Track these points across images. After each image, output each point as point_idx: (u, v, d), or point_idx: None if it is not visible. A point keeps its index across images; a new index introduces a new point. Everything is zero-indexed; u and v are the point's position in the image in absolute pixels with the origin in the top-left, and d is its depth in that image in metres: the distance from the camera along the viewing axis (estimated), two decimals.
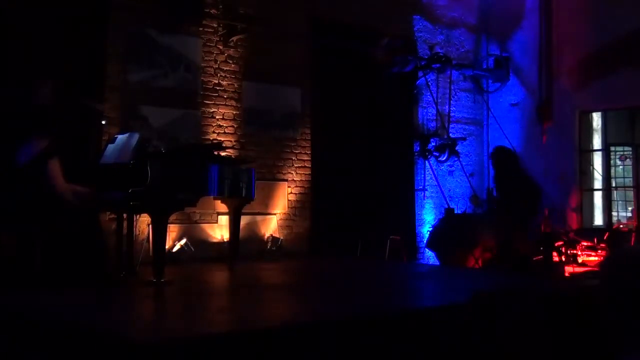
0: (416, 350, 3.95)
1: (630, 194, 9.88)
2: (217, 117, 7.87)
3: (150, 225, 5.59)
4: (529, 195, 8.11)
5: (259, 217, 8.05)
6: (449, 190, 10.16)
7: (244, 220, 6.84)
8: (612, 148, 10.20)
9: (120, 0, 7.10)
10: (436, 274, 6.76)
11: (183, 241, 7.24)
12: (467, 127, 10.64)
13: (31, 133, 5.40)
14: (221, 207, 7.09)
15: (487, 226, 8.88)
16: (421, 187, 9.88)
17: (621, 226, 9.54)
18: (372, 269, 6.84)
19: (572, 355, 4.17)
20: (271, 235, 8.12)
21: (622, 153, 10.09)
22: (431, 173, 9.96)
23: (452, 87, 10.34)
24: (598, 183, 10.16)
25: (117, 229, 6.05)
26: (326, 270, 6.61)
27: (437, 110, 10.01)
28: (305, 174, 8.61)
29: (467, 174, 10.25)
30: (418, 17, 10.01)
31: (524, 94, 10.52)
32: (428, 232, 9.75)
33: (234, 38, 7.94)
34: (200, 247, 7.53)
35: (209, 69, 7.82)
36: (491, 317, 1.68)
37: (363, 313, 4.18)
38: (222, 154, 6.70)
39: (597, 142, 10.24)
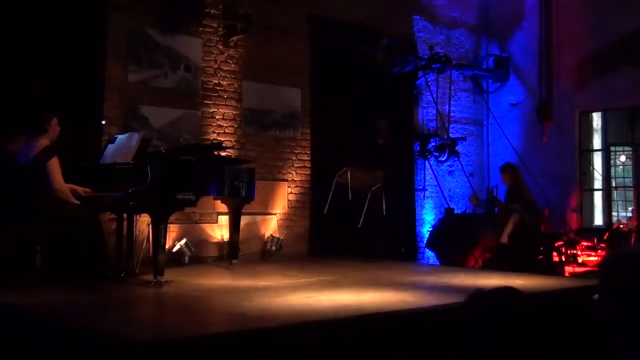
0: (416, 350, 3.95)
1: (630, 194, 9.88)
2: (217, 117, 7.87)
3: (150, 225, 5.59)
4: None
5: (259, 217, 8.05)
6: (449, 190, 10.16)
7: (244, 220, 6.84)
8: (612, 148, 10.20)
9: (120, 0, 7.10)
10: (436, 274, 6.75)
11: (183, 241, 7.23)
12: (467, 127, 10.64)
13: (31, 133, 5.41)
14: (221, 207, 7.09)
15: (487, 226, 8.88)
16: (421, 187, 9.88)
17: (621, 226, 9.53)
18: (371, 268, 6.83)
19: (572, 356, 4.17)
20: (271, 235, 8.11)
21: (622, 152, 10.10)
22: (431, 173, 9.96)
23: (452, 87, 10.33)
24: (598, 183, 10.16)
25: (117, 229, 6.05)
26: (325, 270, 6.61)
27: (437, 110, 10.01)
28: (305, 174, 8.61)
29: (467, 174, 10.25)
30: (418, 17, 10.01)
31: (524, 94, 10.52)
32: (428, 232, 9.75)
33: (234, 38, 7.94)
34: (200, 247, 7.53)
35: (209, 69, 7.82)
36: (488, 317, 1.68)
37: (363, 313, 4.18)
38: (222, 154, 6.70)
39: (597, 142, 10.24)
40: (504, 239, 7.73)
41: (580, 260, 9.00)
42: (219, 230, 7.69)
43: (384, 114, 8.21)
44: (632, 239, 8.87)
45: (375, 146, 7.91)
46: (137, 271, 5.80)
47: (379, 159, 7.72)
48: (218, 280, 5.93)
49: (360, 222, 7.51)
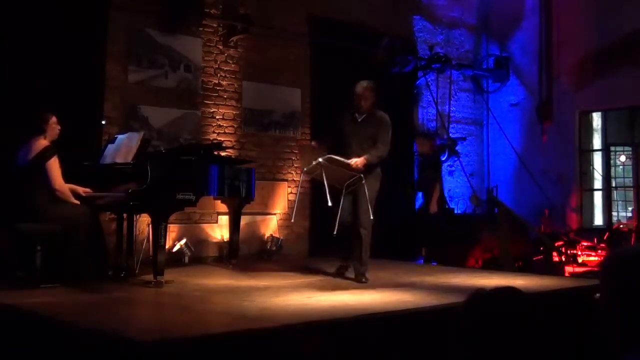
0: (416, 350, 3.95)
1: (630, 194, 9.88)
2: (217, 117, 7.87)
3: (150, 225, 5.59)
4: None
5: (259, 217, 8.05)
6: (449, 190, 10.15)
7: (244, 220, 6.84)
8: (612, 148, 10.20)
9: (120, 0, 7.10)
10: (436, 274, 6.74)
11: (183, 241, 7.23)
12: (467, 127, 10.64)
13: (31, 133, 5.41)
14: (221, 207, 7.09)
15: (487, 226, 8.88)
16: None
17: (621, 226, 9.54)
18: (371, 268, 6.82)
19: (572, 356, 4.17)
20: (271, 235, 8.11)
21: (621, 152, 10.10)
22: None
23: (452, 87, 10.33)
24: (598, 183, 10.16)
25: (117, 229, 6.05)
26: (325, 270, 6.60)
27: (437, 110, 10.00)
28: None
29: (467, 174, 10.24)
30: (418, 17, 10.01)
31: (524, 94, 10.52)
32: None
33: (234, 38, 7.94)
34: (200, 247, 7.53)
35: (209, 69, 7.82)
36: (488, 317, 1.68)
37: (363, 313, 4.18)
38: (222, 154, 6.70)
39: (597, 142, 10.24)
40: (434, 207, 7.99)
41: (580, 260, 9.01)
42: (219, 230, 7.69)
43: (358, 78, 6.53)
44: (632, 239, 8.87)
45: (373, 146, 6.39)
46: (137, 271, 5.80)
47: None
48: (218, 280, 5.93)
49: (336, 229, 5.87)
